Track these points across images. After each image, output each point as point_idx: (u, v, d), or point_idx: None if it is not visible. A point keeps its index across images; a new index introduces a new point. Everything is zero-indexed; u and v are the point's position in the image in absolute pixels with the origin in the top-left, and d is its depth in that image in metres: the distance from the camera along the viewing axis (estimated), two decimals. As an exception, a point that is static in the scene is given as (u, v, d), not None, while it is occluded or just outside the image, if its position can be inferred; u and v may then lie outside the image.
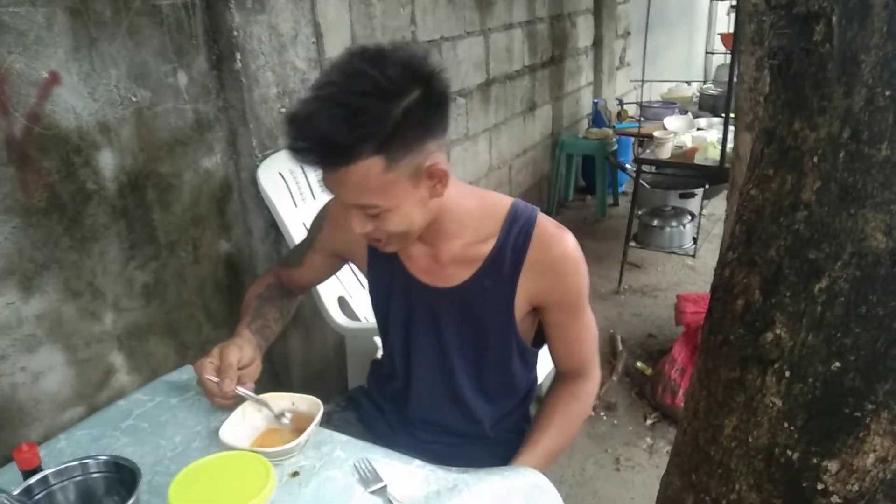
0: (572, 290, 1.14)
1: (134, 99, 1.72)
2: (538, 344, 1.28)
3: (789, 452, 0.86)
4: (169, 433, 1.13)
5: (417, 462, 1.05)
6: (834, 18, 0.66)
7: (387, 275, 1.22)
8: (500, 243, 1.11)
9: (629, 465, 2.26)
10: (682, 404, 2.37)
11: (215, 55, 1.91)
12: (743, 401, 0.88)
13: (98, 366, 1.74)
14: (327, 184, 0.98)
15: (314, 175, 2.13)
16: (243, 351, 1.20)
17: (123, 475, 0.93)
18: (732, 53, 2.74)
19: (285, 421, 1.11)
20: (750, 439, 0.90)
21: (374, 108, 0.87)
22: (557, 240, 1.11)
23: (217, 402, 1.15)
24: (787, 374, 0.82)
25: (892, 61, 0.64)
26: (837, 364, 0.78)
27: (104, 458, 0.95)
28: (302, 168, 2.10)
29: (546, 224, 1.12)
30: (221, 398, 1.13)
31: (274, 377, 2.30)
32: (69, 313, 1.65)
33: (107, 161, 1.68)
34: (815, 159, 0.72)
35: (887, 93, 0.65)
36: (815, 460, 0.84)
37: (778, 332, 0.81)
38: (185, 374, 1.34)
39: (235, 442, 1.03)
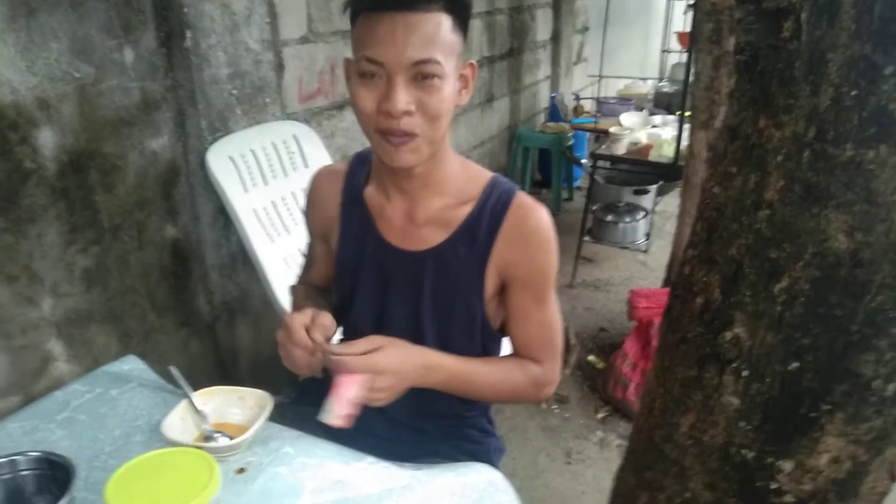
0: (540, 267, 1.12)
1: (76, 74, 1.64)
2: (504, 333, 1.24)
3: (744, 452, 0.86)
4: (108, 426, 1.08)
5: (370, 458, 1.02)
6: (803, 15, 0.65)
7: (358, 241, 1.18)
8: (479, 208, 1.10)
9: (580, 458, 2.27)
10: (633, 398, 2.40)
11: (164, 32, 1.83)
12: (700, 399, 0.88)
13: (35, 354, 1.66)
14: (388, 40, 0.92)
15: (264, 159, 2.09)
16: (304, 313, 1.10)
17: (56, 472, 0.88)
18: (689, 52, 2.77)
19: (233, 417, 1.07)
20: (706, 438, 0.89)
21: None
22: (533, 211, 1.09)
23: (301, 361, 1.06)
24: (745, 373, 0.81)
25: (860, 61, 0.63)
26: (795, 364, 0.77)
27: (35, 454, 0.89)
28: (253, 153, 2.04)
29: (524, 197, 1.11)
30: (307, 354, 1.04)
31: (220, 368, 2.23)
32: (3, 298, 1.56)
33: (46, 139, 1.60)
34: (780, 158, 0.71)
35: (853, 93, 0.64)
36: (770, 460, 0.84)
37: (737, 331, 0.80)
38: (127, 364, 1.28)
39: (179, 437, 0.98)
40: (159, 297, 1.98)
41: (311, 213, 1.28)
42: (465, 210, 1.10)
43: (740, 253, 0.78)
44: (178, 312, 2.05)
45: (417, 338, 1.15)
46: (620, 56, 5.96)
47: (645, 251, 3.55)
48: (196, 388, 1.10)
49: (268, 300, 2.05)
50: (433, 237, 1.11)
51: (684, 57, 4.23)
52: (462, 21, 0.98)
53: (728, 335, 0.81)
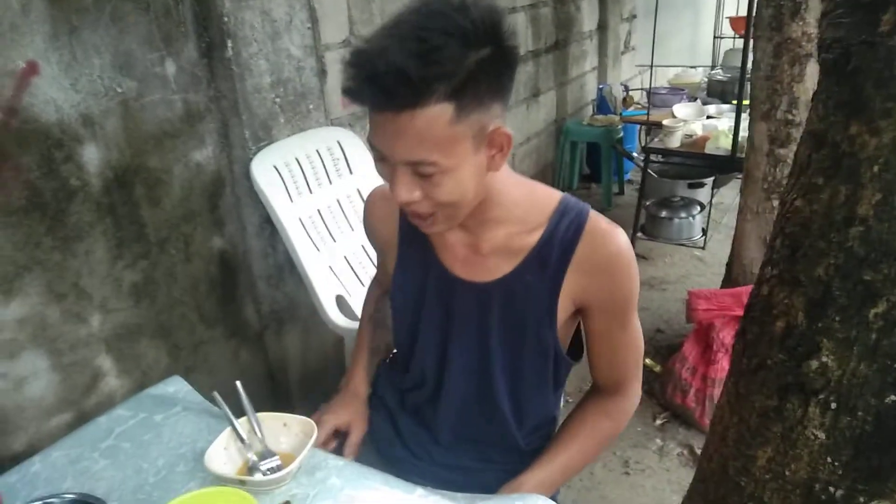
0: (622, 293, 1.04)
1: (119, 90, 1.62)
2: (574, 356, 1.18)
3: (832, 489, 0.78)
4: (152, 455, 1.05)
5: (420, 490, 0.96)
6: (906, 7, 0.57)
7: (419, 271, 1.12)
8: (548, 235, 1.02)
9: (639, 468, 2.18)
10: (693, 404, 2.30)
11: (205, 43, 1.81)
12: (780, 431, 0.80)
13: (85, 370, 1.66)
14: (381, 134, 0.86)
15: (309, 168, 2.06)
16: (339, 418, 1.25)
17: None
18: (746, 38, 2.64)
19: (279, 446, 1.03)
20: (787, 472, 0.81)
21: (452, 48, 0.79)
22: (611, 237, 1.01)
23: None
24: (834, 405, 0.73)
25: (975, 57, 0.55)
26: (893, 397, 0.69)
27: (70, 496, 0.87)
28: (297, 162, 2.01)
29: (598, 220, 1.02)
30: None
31: (270, 377, 2.22)
32: (53, 316, 1.57)
33: (91, 156, 1.59)
34: (876, 168, 0.63)
35: (966, 94, 0.56)
36: (861, 499, 0.76)
37: (824, 359, 0.72)
38: (172, 385, 1.25)
39: (221, 469, 0.95)
40: (207, 309, 1.97)
41: (369, 233, 1.24)
42: (534, 237, 1.03)
43: (829, 274, 0.70)
44: (227, 323, 2.04)
45: (483, 374, 1.13)
46: (669, 44, 5.77)
47: (702, 247, 3.41)
48: (248, 399, 1.07)
49: (315, 309, 2.02)
50: (500, 267, 1.05)
51: (738, 43, 4.06)
52: (476, 99, 0.84)
53: (814, 364, 0.73)
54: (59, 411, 1.60)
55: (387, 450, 1.28)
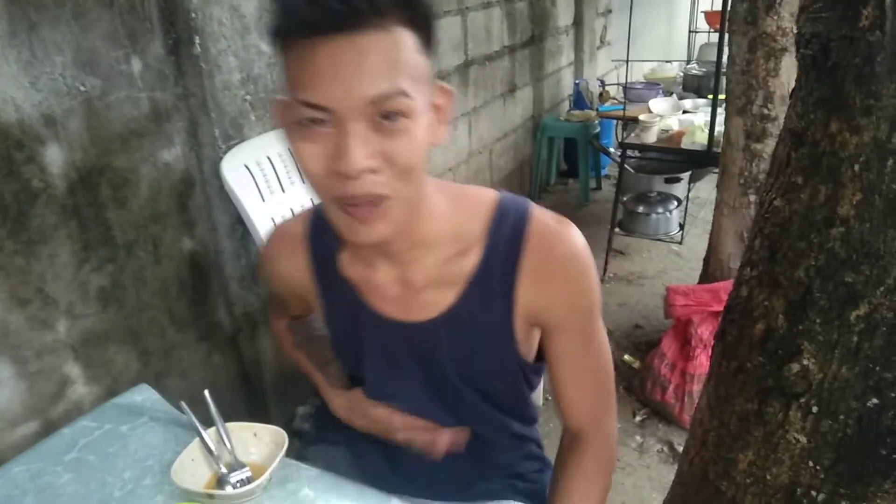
0: (581, 302, 0.90)
1: (82, 88, 1.57)
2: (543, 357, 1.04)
3: (813, 493, 0.76)
4: (118, 468, 1.01)
5: (395, 501, 0.94)
6: (888, 0, 0.55)
7: (350, 320, 0.97)
8: (488, 254, 0.87)
9: (619, 465, 2.18)
10: (672, 400, 2.30)
11: (172, 39, 1.76)
12: (761, 435, 0.78)
13: (52, 377, 1.61)
14: (330, 73, 0.67)
15: (281, 166, 2.02)
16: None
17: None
18: (721, 33, 2.64)
19: (249, 457, 1.00)
20: (768, 477, 0.80)
21: None
22: (560, 238, 0.87)
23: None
24: (815, 409, 0.72)
25: (958, 53, 0.53)
26: (875, 401, 0.68)
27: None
28: (269, 160, 1.97)
29: (543, 220, 0.87)
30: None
31: (244, 380, 2.17)
32: (17, 322, 1.51)
33: (54, 156, 1.54)
34: (857, 167, 0.61)
35: (949, 91, 0.54)
36: (843, 503, 0.75)
37: (805, 362, 0.71)
38: (139, 394, 1.21)
39: (189, 482, 0.91)
40: (178, 312, 1.92)
41: (274, 281, 1.08)
42: (472, 260, 0.88)
43: (809, 275, 0.68)
44: (199, 326, 2.00)
45: (445, 412, 1.02)
46: (645, 38, 5.79)
47: (679, 242, 3.42)
48: (221, 404, 1.03)
49: (290, 311, 1.98)
50: (439, 300, 0.90)
51: (713, 37, 4.07)
52: (428, 37, 0.73)
53: (795, 367, 0.72)
54: (25, 420, 1.55)
55: (356, 436, 1.15)
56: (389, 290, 0.92)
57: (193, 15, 1.73)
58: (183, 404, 1.05)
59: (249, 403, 2.19)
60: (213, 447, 0.98)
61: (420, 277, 0.90)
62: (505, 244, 0.87)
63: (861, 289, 0.65)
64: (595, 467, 0.97)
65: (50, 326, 1.59)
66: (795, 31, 0.63)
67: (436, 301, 0.90)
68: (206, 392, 1.04)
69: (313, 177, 0.74)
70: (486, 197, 0.90)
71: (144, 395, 1.21)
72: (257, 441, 1.01)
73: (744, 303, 0.78)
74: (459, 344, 0.92)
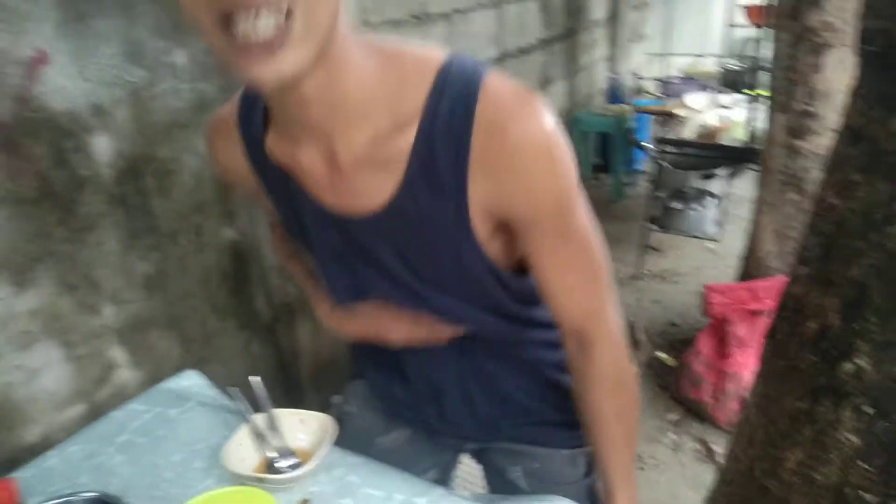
0: (549, 194, 0.72)
1: (129, 79, 1.60)
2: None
3: (863, 494, 0.76)
4: (167, 451, 1.04)
5: (440, 490, 0.95)
6: (958, -2, 0.54)
7: (291, 206, 0.84)
8: (427, 128, 0.69)
9: (653, 463, 2.17)
10: (708, 399, 2.28)
11: (216, 31, 1.79)
12: (811, 434, 0.78)
13: (98, 361, 1.65)
14: None
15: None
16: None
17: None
18: (759, 27, 2.59)
19: (297, 442, 1.02)
20: (817, 476, 0.79)
21: None
22: (514, 118, 0.68)
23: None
24: (868, 409, 0.71)
25: None
26: (932, 402, 0.67)
27: (89, 495, 0.86)
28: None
29: (495, 94, 0.68)
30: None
31: (282, 369, 2.21)
32: (65, 307, 1.55)
33: (101, 146, 1.57)
34: (920, 166, 0.61)
35: None
36: (894, 504, 0.74)
37: (859, 362, 0.70)
38: (186, 379, 1.24)
39: (239, 466, 0.94)
40: (219, 300, 1.95)
41: (221, 171, 0.94)
42: (408, 138, 0.70)
43: (866, 274, 0.67)
44: (239, 315, 2.03)
45: (411, 308, 0.86)
46: (680, 31, 5.72)
47: (716, 240, 3.38)
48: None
49: (327, 301, 2.01)
50: (376, 189, 0.73)
51: (752, 32, 4.01)
52: None
53: (848, 366, 0.71)
54: (72, 403, 1.59)
55: (389, 409, 1.09)
56: (319, 175, 0.76)
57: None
58: (232, 389, 1.07)
59: (286, 391, 2.22)
60: (261, 432, 1.00)
61: (348, 157, 0.73)
62: (448, 120, 0.69)
63: (920, 288, 0.64)
64: (612, 371, 0.86)
65: (96, 311, 1.63)
66: (857, 25, 0.63)
67: (372, 189, 0.74)
68: (255, 378, 1.07)
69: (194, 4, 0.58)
70: (430, 59, 0.71)
71: (192, 381, 1.24)
72: (304, 427, 1.03)
73: (796, 301, 0.77)
74: (407, 244, 0.78)
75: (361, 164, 0.73)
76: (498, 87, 0.69)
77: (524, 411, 1.00)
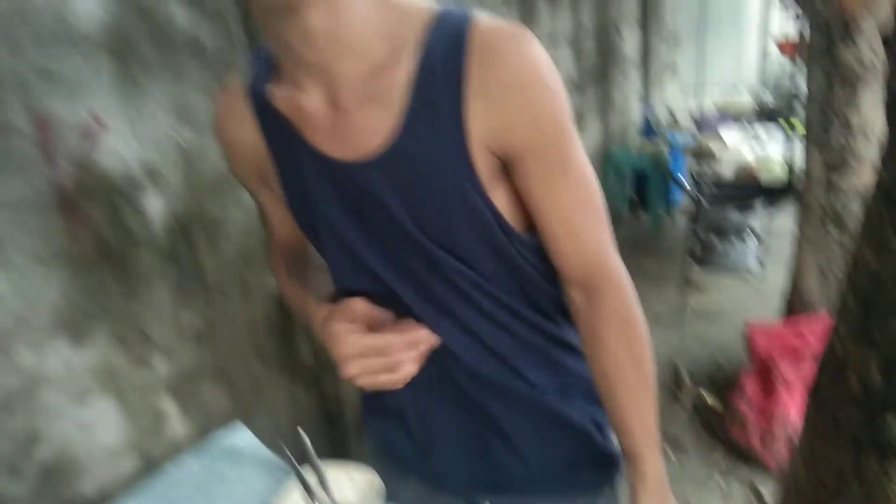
0: (546, 117, 0.74)
1: (180, 139, 1.68)
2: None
3: (916, 551, 0.75)
4: (220, 505, 1.07)
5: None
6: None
7: (293, 163, 0.83)
8: (426, 60, 0.72)
9: (703, 509, 2.14)
10: (756, 443, 2.24)
11: (261, 91, 1.86)
12: (859, 491, 0.78)
13: (150, 414, 1.70)
14: None
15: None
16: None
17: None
18: (794, 62, 2.60)
19: (346, 498, 1.04)
20: (868, 533, 0.79)
21: None
22: (505, 46, 0.71)
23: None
24: (916, 466, 0.71)
25: None
26: (979, 460, 0.67)
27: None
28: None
29: (488, 23, 0.72)
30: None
31: (326, 417, 2.24)
32: (120, 362, 1.61)
33: (154, 205, 1.65)
34: (954, 228, 0.62)
35: None
36: (948, 563, 0.73)
37: (904, 419, 0.70)
38: (236, 433, 1.28)
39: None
40: (265, 350, 2.00)
41: (232, 157, 0.91)
42: (407, 66, 0.73)
43: (906, 332, 0.68)
44: (284, 365, 2.07)
45: (421, 278, 0.84)
46: (713, 65, 5.73)
47: (757, 276, 3.34)
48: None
49: (369, 349, 2.04)
50: (376, 126, 0.75)
51: (787, 65, 4.00)
52: None
53: (893, 423, 0.71)
54: (126, 455, 1.64)
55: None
56: (321, 118, 0.78)
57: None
58: (280, 443, 1.10)
59: (330, 440, 2.25)
60: (311, 488, 1.02)
61: (348, 94, 0.75)
62: (443, 52, 0.72)
63: (962, 347, 0.64)
64: (623, 314, 0.83)
65: (149, 365, 1.68)
66: (886, 83, 0.64)
67: (372, 127, 0.75)
68: (302, 431, 1.09)
69: None
70: (424, 5, 0.77)
71: (241, 434, 1.28)
72: (352, 484, 1.05)
73: (837, 357, 0.78)
74: (413, 190, 0.77)
75: (361, 100, 0.75)
76: (489, 20, 0.73)
77: (530, 456, 0.95)
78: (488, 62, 0.71)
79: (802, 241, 2.41)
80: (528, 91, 0.72)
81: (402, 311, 0.85)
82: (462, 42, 0.71)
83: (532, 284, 0.87)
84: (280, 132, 0.81)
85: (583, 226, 0.81)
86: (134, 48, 1.55)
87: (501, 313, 0.86)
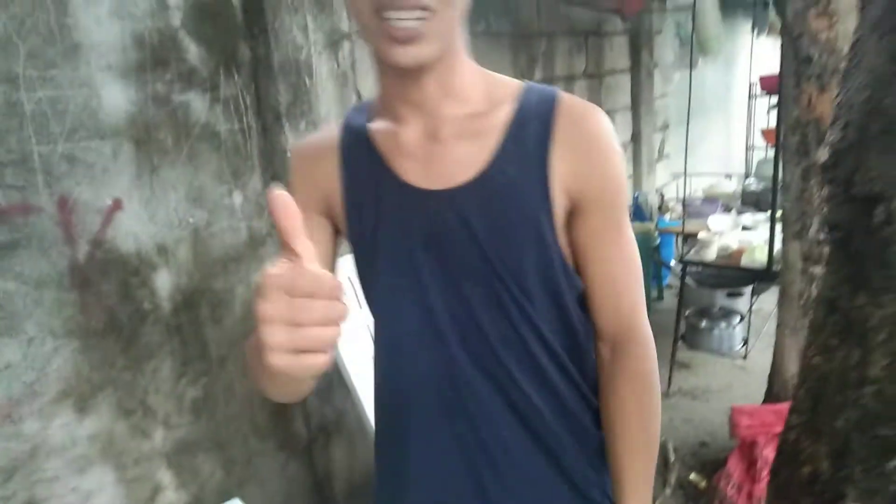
0: (614, 180, 0.85)
1: (191, 220, 1.78)
2: None
3: None
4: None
5: None
6: (894, 204, 0.66)
7: (370, 190, 0.89)
8: (520, 110, 0.85)
9: (685, 591, 2.14)
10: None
11: (270, 174, 1.98)
12: (815, 573, 0.84)
13: (146, 484, 1.74)
14: None
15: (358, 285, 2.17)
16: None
17: None
18: (776, 158, 2.74)
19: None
20: None
21: None
22: (590, 111, 0.85)
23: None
24: (863, 550, 0.78)
25: (960, 249, 0.63)
26: (918, 546, 0.74)
27: None
28: (349, 280, 2.13)
29: (571, 97, 0.86)
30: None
31: (317, 490, 2.27)
32: (121, 432, 1.67)
33: (163, 281, 1.73)
34: (882, 336, 0.71)
35: (956, 278, 0.64)
36: None
37: (850, 506, 0.78)
38: (233, 506, 1.33)
39: None
40: (260, 423, 2.05)
41: (300, 185, 0.95)
42: (503, 115, 0.85)
43: (847, 427, 0.76)
44: (278, 436, 2.12)
45: (473, 311, 0.86)
46: (702, 151, 5.95)
47: (743, 357, 3.41)
48: None
49: (362, 423, 2.09)
50: (470, 159, 0.84)
51: (771, 153, 4.18)
52: None
53: (842, 510, 0.78)
54: (121, 525, 1.68)
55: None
56: (416, 149, 0.86)
57: (289, 154, 1.94)
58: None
59: (320, 512, 2.27)
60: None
61: (449, 129, 0.85)
62: (536, 107, 0.85)
63: (895, 442, 0.72)
64: (644, 371, 0.90)
65: (148, 436, 1.73)
66: (823, 219, 0.75)
67: (466, 160, 0.84)
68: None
69: None
70: (514, 79, 0.90)
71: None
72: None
73: (792, 447, 0.85)
74: (492, 221, 0.83)
75: (459, 135, 0.85)
76: (571, 95, 0.86)
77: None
78: (574, 120, 0.83)
79: (783, 327, 2.49)
80: (604, 150, 0.84)
81: (440, 352, 0.87)
82: (552, 102, 0.84)
83: (573, 332, 0.91)
84: (365, 163, 0.89)
85: (624, 284, 0.89)
86: (153, 135, 1.66)
87: (545, 358, 0.89)
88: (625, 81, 4.71)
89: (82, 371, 1.58)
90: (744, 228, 3.54)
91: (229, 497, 1.66)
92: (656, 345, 0.93)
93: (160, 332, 1.73)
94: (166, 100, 1.68)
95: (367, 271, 0.93)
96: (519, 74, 1.04)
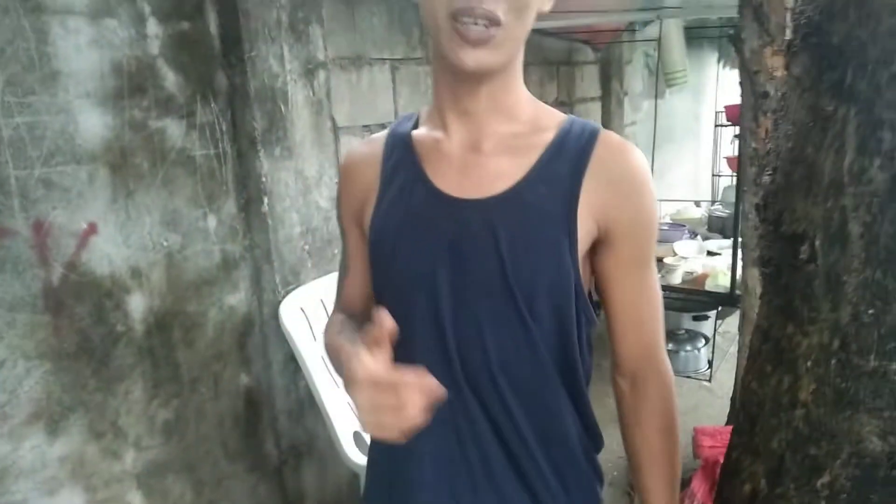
0: (647, 215, 0.88)
1: (165, 243, 1.82)
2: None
3: None
4: None
5: None
6: (817, 242, 0.72)
7: (400, 199, 0.91)
8: (561, 136, 0.88)
9: None
10: (702, 544, 2.32)
11: (244, 199, 2.02)
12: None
13: (115, 506, 1.75)
14: None
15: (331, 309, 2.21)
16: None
17: None
18: (738, 182, 2.84)
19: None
20: None
21: None
22: (629, 148, 0.88)
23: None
24: (797, 564, 0.83)
25: (873, 284, 0.70)
26: (844, 559, 0.79)
27: None
28: (323, 303, 2.18)
29: (612, 132, 0.90)
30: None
31: (287, 511, 2.28)
32: (91, 454, 1.68)
33: (136, 303, 1.76)
34: (809, 364, 0.77)
35: (870, 311, 0.70)
36: None
37: (784, 522, 0.83)
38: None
39: None
40: (231, 444, 2.07)
41: (345, 191, 1.02)
42: (545, 138, 0.88)
43: (782, 447, 0.82)
44: (248, 458, 2.14)
45: (480, 325, 0.87)
46: (670, 177, 6.08)
47: (708, 380, 3.50)
48: None
49: (332, 445, 2.12)
50: (505, 174, 0.86)
51: (735, 180, 4.30)
52: None
53: (778, 527, 0.84)
54: (89, 547, 1.68)
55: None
56: (455, 157, 0.90)
57: (264, 179, 1.99)
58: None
59: (290, 534, 2.29)
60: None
61: (491, 144, 0.88)
62: (577, 136, 0.88)
63: (823, 461, 0.78)
64: (665, 409, 0.95)
65: (119, 457, 1.75)
66: (760, 255, 0.81)
67: (502, 174, 0.87)
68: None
69: None
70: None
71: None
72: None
73: (733, 465, 0.91)
74: (518, 229, 0.85)
75: (500, 150, 0.88)
76: (612, 132, 0.90)
77: None
78: (612, 153, 0.87)
79: (744, 350, 2.57)
80: (639, 185, 0.87)
81: (444, 368, 0.87)
82: (594, 135, 0.88)
83: (572, 363, 0.92)
84: (402, 166, 0.92)
85: (647, 317, 0.93)
86: (129, 160, 1.70)
87: (539, 382, 0.90)
88: (595, 109, 4.82)
89: (54, 393, 1.59)
90: (709, 254, 3.64)
91: (199, 518, 1.68)
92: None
93: (132, 355, 1.76)
94: (143, 125, 1.72)
95: (382, 269, 0.95)
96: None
